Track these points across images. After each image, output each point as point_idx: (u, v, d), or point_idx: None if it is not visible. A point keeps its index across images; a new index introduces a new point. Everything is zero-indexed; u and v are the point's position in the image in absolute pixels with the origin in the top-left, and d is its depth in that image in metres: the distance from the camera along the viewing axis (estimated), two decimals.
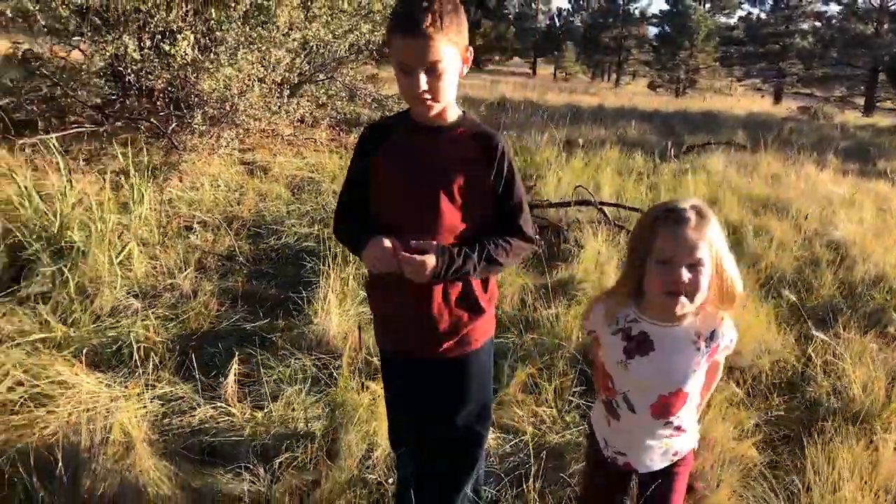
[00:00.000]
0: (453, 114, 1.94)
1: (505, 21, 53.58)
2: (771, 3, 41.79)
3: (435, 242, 1.83)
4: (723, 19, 48.51)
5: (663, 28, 46.62)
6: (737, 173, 9.21)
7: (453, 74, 1.83)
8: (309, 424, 2.86)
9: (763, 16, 42.87)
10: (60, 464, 2.33)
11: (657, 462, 1.91)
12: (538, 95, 21.64)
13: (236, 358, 3.21)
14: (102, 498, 2.32)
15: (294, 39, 8.21)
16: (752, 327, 3.82)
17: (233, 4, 7.33)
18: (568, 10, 58.80)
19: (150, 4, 6.85)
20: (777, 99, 37.79)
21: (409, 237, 1.84)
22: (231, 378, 3.07)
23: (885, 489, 2.64)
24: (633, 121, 14.48)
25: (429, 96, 1.79)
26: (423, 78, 1.76)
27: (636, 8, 52.19)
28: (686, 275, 1.64)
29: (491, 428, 2.96)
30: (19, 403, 2.79)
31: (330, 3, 8.67)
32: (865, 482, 2.56)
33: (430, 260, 1.80)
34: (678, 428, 1.86)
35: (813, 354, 3.73)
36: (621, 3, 51.53)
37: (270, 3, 7.57)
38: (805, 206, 7.18)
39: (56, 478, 2.32)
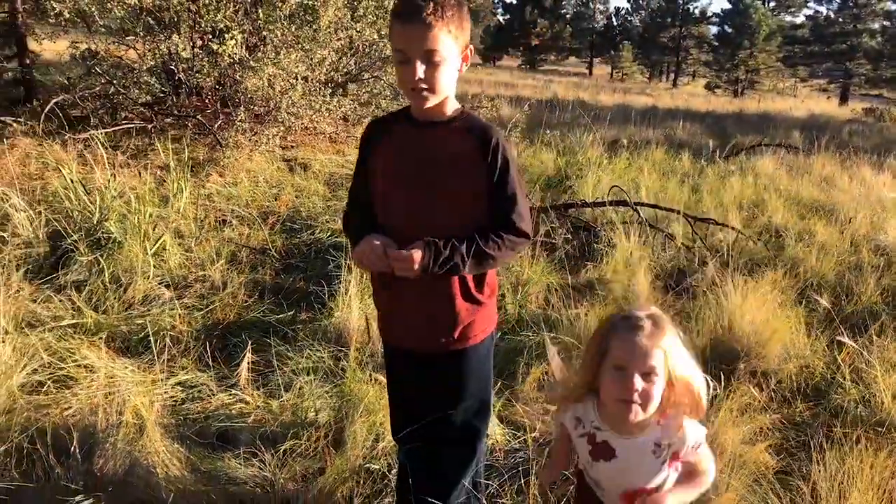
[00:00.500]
0: (451, 109, 1.95)
1: (561, 20, 53.14)
2: (839, 1, 40.44)
3: (422, 240, 1.85)
4: (788, 18, 47.17)
5: (723, 28, 45.57)
6: (787, 176, 8.96)
7: (451, 68, 1.84)
8: (318, 414, 2.92)
9: (831, 15, 41.47)
10: (76, 442, 2.45)
11: None
12: (590, 95, 21.48)
13: (249, 347, 3.30)
14: (114, 476, 2.43)
15: (340, 39, 8.35)
16: (778, 331, 3.73)
17: (280, 4, 7.50)
18: (626, 9, 58.06)
19: (199, 4, 7.07)
20: (843, 100, 36.46)
21: (406, 232, 1.86)
22: (244, 367, 3.16)
23: None
24: (684, 121, 14.19)
25: (424, 86, 1.81)
26: (420, 67, 1.78)
27: (696, 7, 51.14)
28: (640, 383, 1.63)
29: (500, 424, 2.99)
30: (46, 385, 2.93)
31: (376, 3, 8.78)
32: (881, 490, 2.48)
33: (417, 254, 1.81)
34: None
35: (841, 361, 3.62)
36: (681, 1, 50.51)
37: (316, 3, 7.71)
38: (855, 211, 6.94)
39: (71, 455, 2.43)
